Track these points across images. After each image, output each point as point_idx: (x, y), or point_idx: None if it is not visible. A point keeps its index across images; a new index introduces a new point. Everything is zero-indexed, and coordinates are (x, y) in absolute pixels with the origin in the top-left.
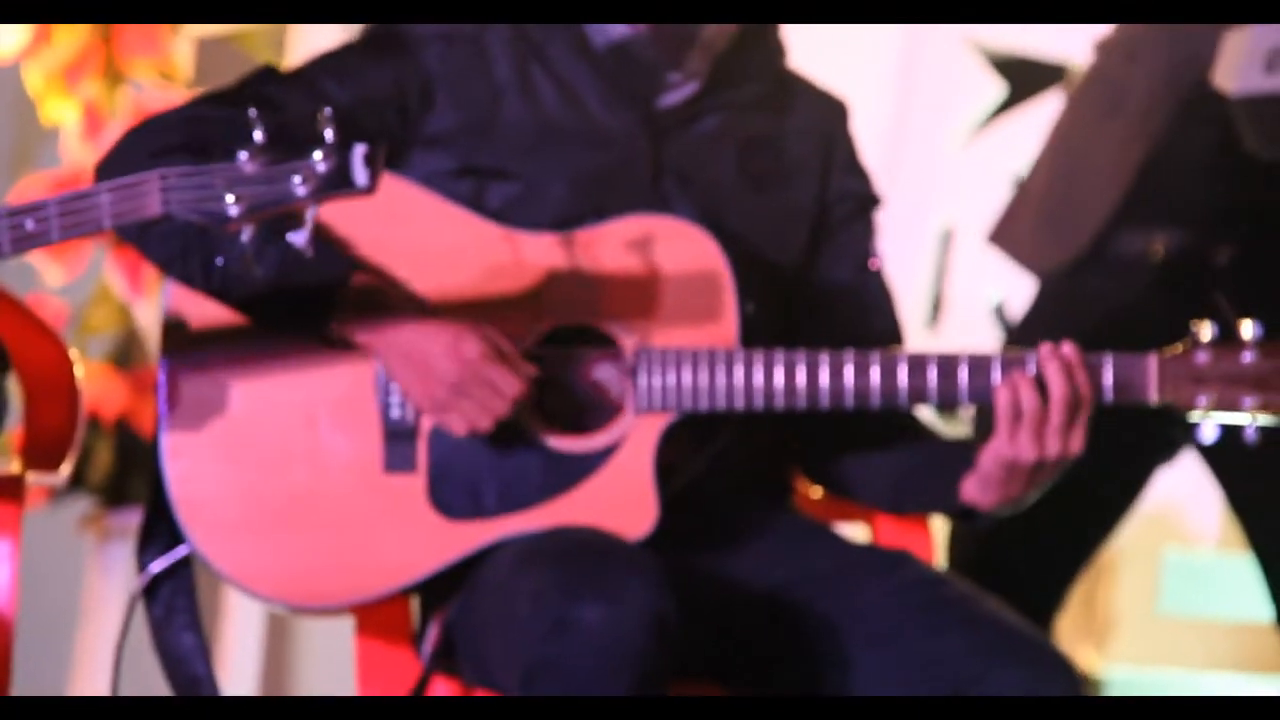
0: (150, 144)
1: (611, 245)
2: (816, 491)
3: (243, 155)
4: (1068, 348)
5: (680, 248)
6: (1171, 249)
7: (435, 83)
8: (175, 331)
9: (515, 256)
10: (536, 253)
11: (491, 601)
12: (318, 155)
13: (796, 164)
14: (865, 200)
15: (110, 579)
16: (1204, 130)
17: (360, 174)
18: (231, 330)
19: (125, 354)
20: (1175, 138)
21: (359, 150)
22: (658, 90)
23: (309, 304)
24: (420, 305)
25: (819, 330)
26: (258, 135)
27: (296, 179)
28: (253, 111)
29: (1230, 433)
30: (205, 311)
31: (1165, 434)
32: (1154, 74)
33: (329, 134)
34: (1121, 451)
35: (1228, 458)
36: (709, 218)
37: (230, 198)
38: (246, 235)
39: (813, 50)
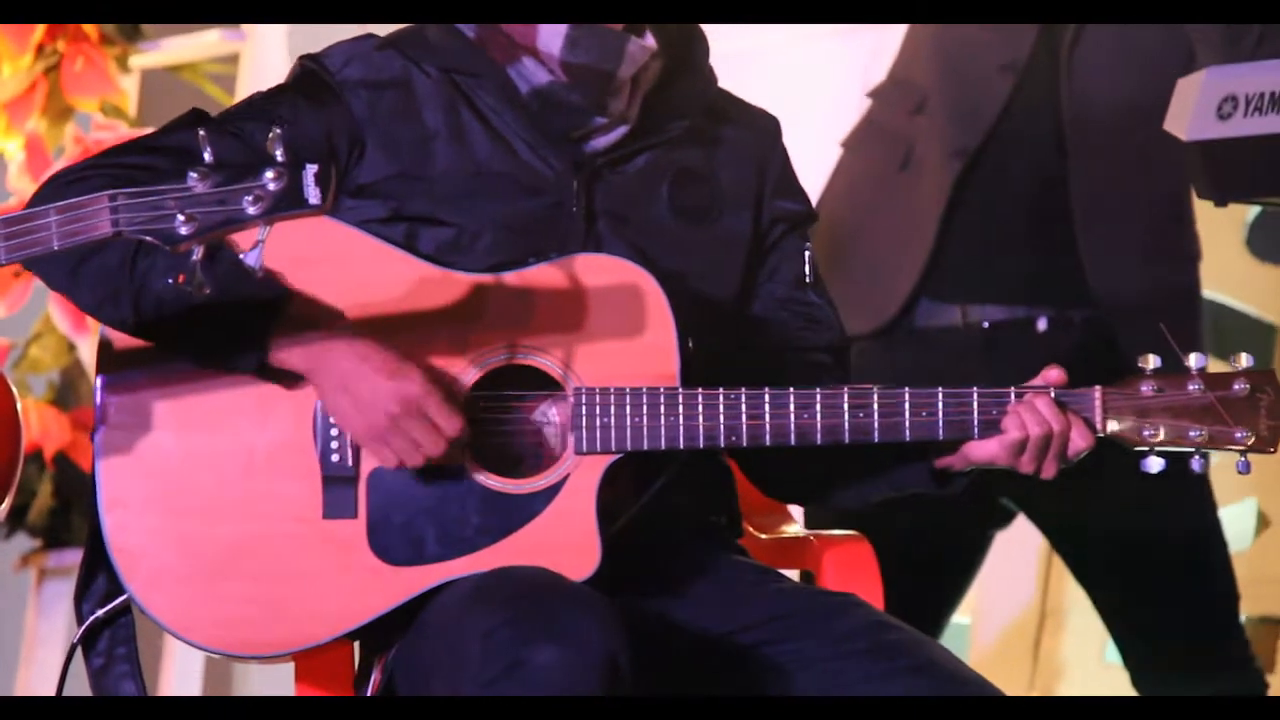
0: (68, 191)
1: (551, 285)
2: (762, 534)
3: (193, 175)
4: (1056, 374)
5: (620, 286)
6: (993, 318)
7: (364, 131)
8: (111, 382)
9: (454, 297)
10: (475, 293)
11: (438, 643)
12: (269, 175)
13: (729, 194)
14: (799, 218)
15: (51, 618)
16: (1013, 191)
17: (312, 193)
18: (167, 377)
19: (67, 391)
20: (982, 198)
21: (310, 170)
22: (586, 134)
23: (246, 332)
24: (361, 334)
25: (762, 349)
26: (206, 156)
27: (248, 199)
28: (202, 131)
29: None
30: (139, 359)
31: (997, 502)
32: (941, 129)
33: (279, 154)
34: (961, 519)
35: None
36: (644, 257)
37: (181, 218)
38: (197, 255)
39: (781, 71)
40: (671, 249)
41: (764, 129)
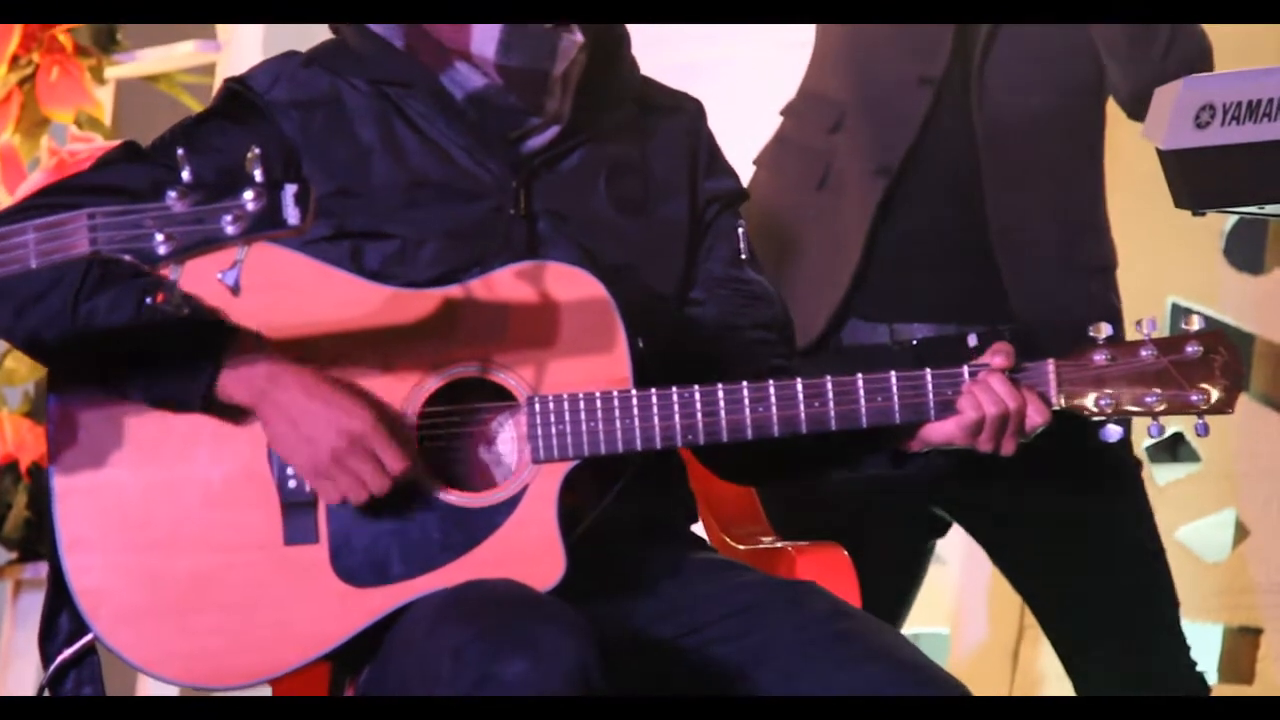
0: None
1: (496, 295)
2: (740, 544)
3: (171, 194)
4: (1005, 350)
5: (566, 291)
6: (922, 335)
7: (299, 152)
8: (60, 418)
9: (401, 315)
10: (422, 309)
11: (407, 661)
12: (248, 195)
13: (664, 182)
14: (731, 197)
15: (27, 629)
16: (936, 208)
17: (291, 213)
18: (119, 412)
19: (42, 403)
20: (906, 216)
21: (289, 190)
22: (523, 135)
23: (190, 372)
24: (308, 367)
25: (704, 334)
26: (185, 175)
27: (227, 218)
28: (180, 150)
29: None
30: (91, 395)
31: (932, 514)
32: (861, 147)
33: (258, 174)
34: (900, 531)
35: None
36: (587, 253)
37: (160, 236)
38: (175, 275)
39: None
40: (614, 242)
41: (689, 112)
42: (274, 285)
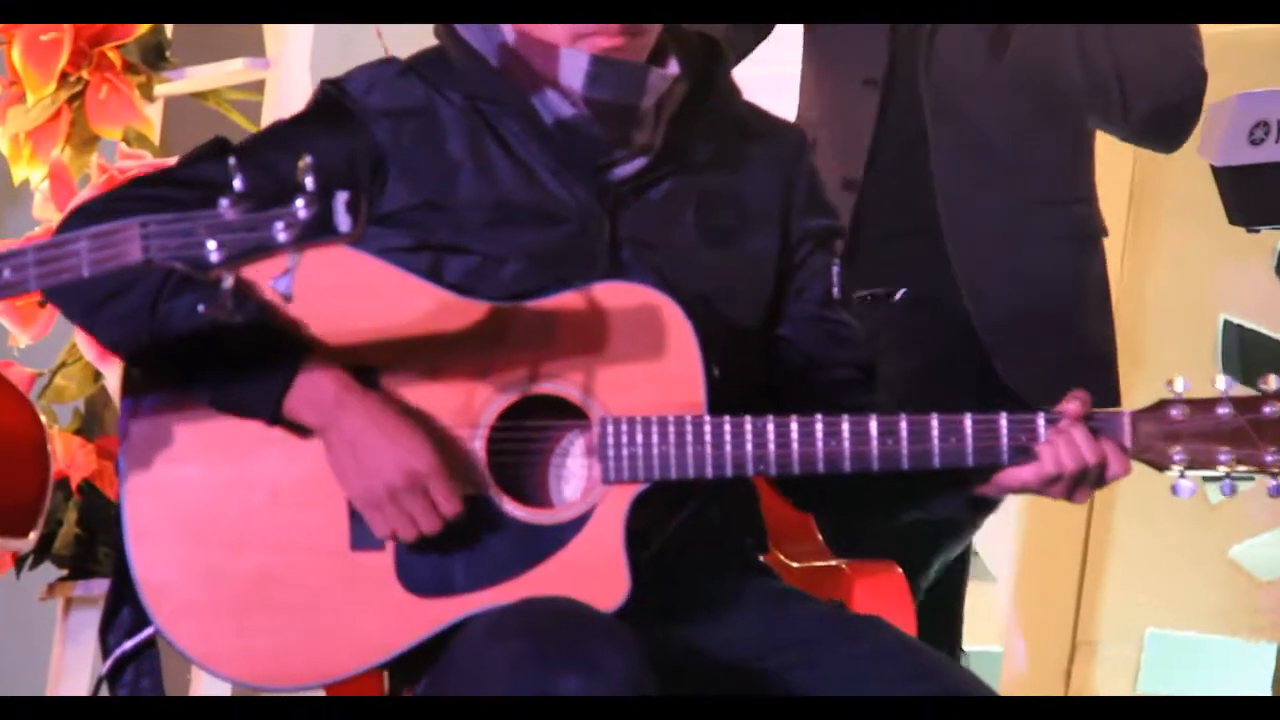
0: (95, 223)
1: (574, 313)
2: (794, 562)
3: (224, 202)
4: (1076, 407)
5: (645, 313)
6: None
7: (387, 160)
8: (136, 414)
9: (478, 327)
10: (500, 322)
11: (464, 674)
12: (300, 202)
13: (756, 215)
14: (826, 235)
15: (78, 647)
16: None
17: (343, 220)
18: (192, 408)
19: (92, 421)
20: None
21: (341, 197)
22: (610, 163)
23: (262, 385)
24: (375, 395)
25: (789, 371)
26: (237, 183)
27: (279, 225)
28: (232, 160)
29: None
30: (163, 390)
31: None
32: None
33: (309, 182)
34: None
35: None
36: (670, 282)
37: (212, 244)
38: (228, 283)
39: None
40: (698, 273)
41: (790, 143)
42: (353, 289)
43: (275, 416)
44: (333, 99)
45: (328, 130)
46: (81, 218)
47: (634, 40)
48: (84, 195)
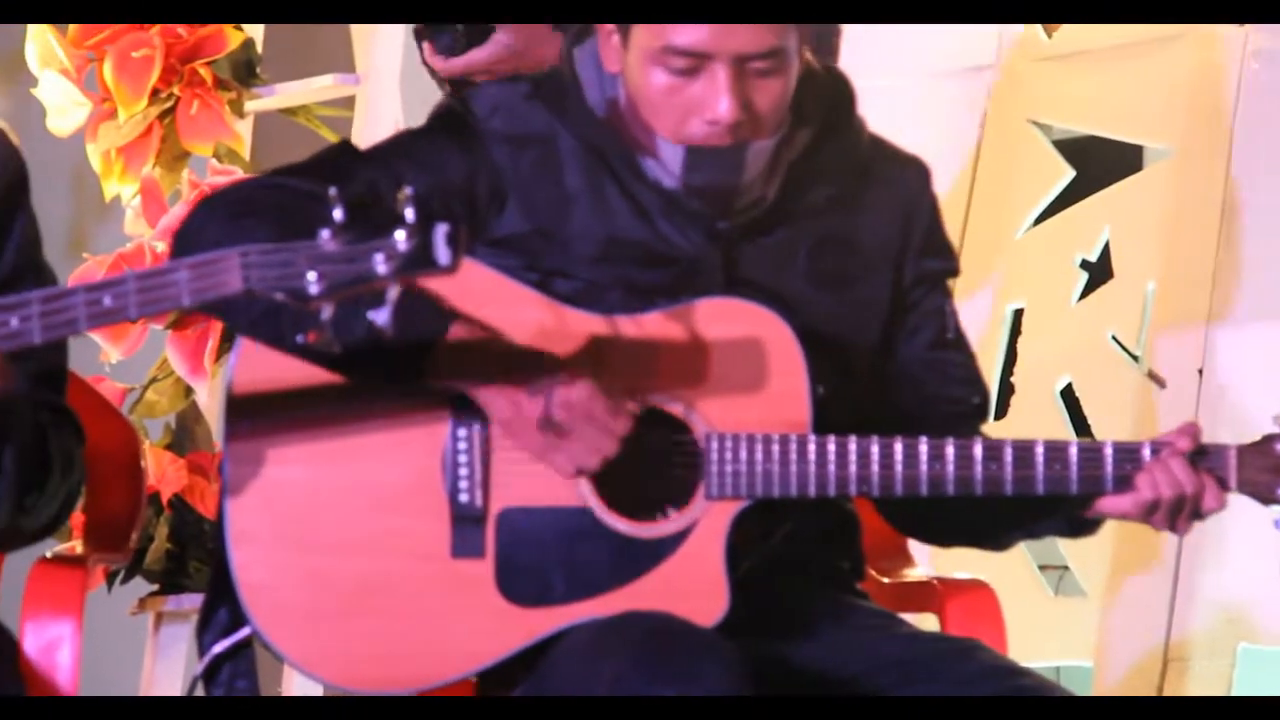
0: (229, 210)
1: (681, 328)
2: (885, 578)
3: (324, 233)
4: (1185, 443)
5: (751, 330)
6: None
7: (507, 185)
8: (239, 416)
9: (586, 340)
10: (606, 336)
11: (563, 688)
12: (400, 234)
13: (870, 258)
14: (941, 277)
15: (169, 661)
16: None
17: (442, 253)
18: (296, 413)
19: (183, 435)
20: None
21: (441, 229)
22: (721, 215)
23: (407, 355)
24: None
25: (899, 406)
26: (337, 214)
27: (378, 257)
28: (333, 190)
29: None
30: (269, 394)
31: None
32: None
33: (409, 213)
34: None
35: None
36: None
37: (312, 275)
38: (326, 313)
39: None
40: (808, 315)
41: (911, 181)
42: (465, 297)
43: (427, 373)
44: (458, 115)
45: (451, 145)
46: (211, 203)
47: (738, 132)
48: (175, 212)
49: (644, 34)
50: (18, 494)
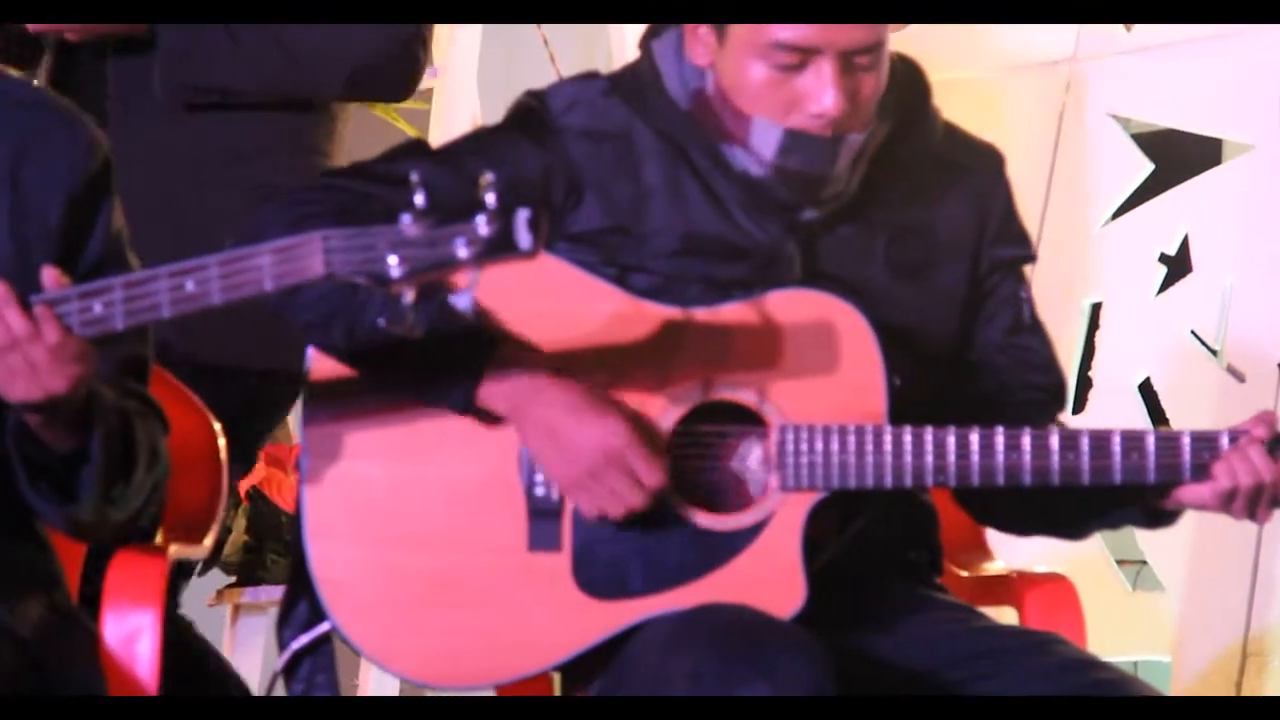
0: (289, 214)
1: (753, 319)
2: (964, 571)
3: (405, 218)
4: (1263, 431)
5: (825, 320)
6: None
7: (583, 180)
8: (317, 410)
9: (661, 332)
10: (680, 327)
11: (642, 681)
12: (481, 219)
13: (947, 248)
14: (1016, 263)
15: (247, 653)
16: None
17: (524, 238)
18: (373, 408)
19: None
20: None
21: (522, 214)
22: (806, 204)
23: (455, 373)
24: (567, 378)
25: (976, 394)
26: (419, 199)
27: (460, 241)
28: (415, 175)
29: None
30: (347, 389)
31: None
32: None
33: (490, 198)
34: None
35: None
36: None
37: (393, 259)
38: (408, 298)
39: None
40: (886, 306)
41: (987, 170)
42: (538, 291)
43: (467, 406)
44: (534, 112)
45: (527, 142)
46: (273, 207)
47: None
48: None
49: (746, 29)
50: (105, 484)
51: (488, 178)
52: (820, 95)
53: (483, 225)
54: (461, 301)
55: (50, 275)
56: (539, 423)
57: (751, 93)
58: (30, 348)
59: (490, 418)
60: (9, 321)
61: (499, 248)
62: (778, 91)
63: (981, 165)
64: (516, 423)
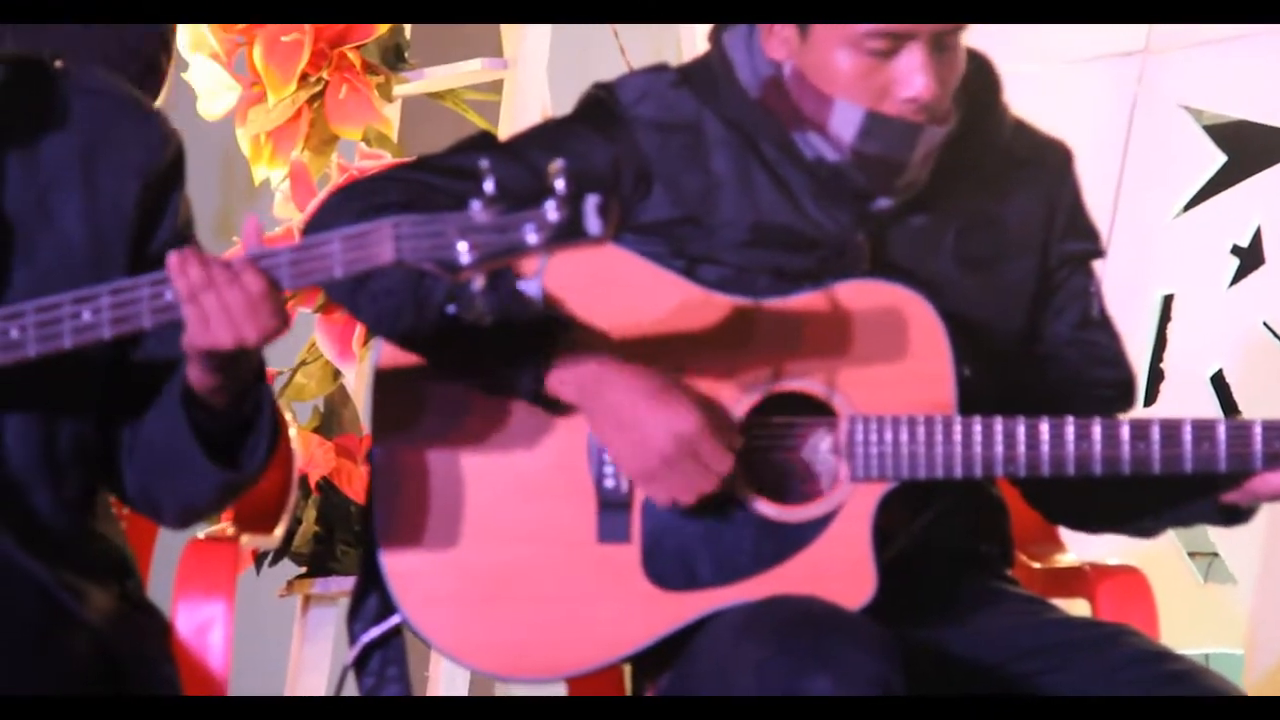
0: (357, 205)
1: (822, 310)
2: (1035, 562)
3: (475, 204)
4: None
5: (894, 311)
6: None
7: (653, 171)
8: (386, 401)
9: (729, 323)
10: (748, 318)
11: (710, 673)
12: (550, 204)
13: (1016, 242)
14: (1084, 258)
15: (317, 644)
16: None
17: (593, 223)
18: (442, 399)
19: (331, 419)
20: None
21: (592, 200)
22: (871, 197)
23: (524, 361)
24: (636, 366)
25: (1044, 388)
26: (488, 186)
27: (529, 227)
28: (484, 162)
29: None
30: (416, 381)
31: None
32: None
33: (560, 184)
34: None
35: None
36: None
37: (463, 245)
38: (477, 285)
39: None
40: (954, 298)
41: (1055, 164)
42: (606, 281)
43: (537, 394)
44: (603, 104)
45: (595, 134)
46: (341, 196)
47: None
48: (323, 197)
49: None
50: (274, 434)
51: (558, 164)
52: (912, 79)
53: (552, 210)
54: (530, 288)
55: (251, 225)
56: (610, 409)
57: (841, 82)
58: (227, 290)
59: (559, 407)
60: (206, 263)
61: (568, 233)
62: (867, 80)
63: (1050, 160)
64: (586, 409)
